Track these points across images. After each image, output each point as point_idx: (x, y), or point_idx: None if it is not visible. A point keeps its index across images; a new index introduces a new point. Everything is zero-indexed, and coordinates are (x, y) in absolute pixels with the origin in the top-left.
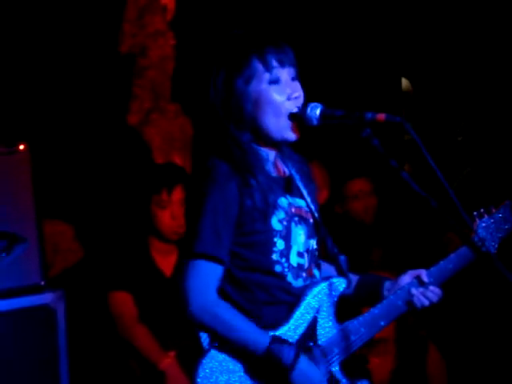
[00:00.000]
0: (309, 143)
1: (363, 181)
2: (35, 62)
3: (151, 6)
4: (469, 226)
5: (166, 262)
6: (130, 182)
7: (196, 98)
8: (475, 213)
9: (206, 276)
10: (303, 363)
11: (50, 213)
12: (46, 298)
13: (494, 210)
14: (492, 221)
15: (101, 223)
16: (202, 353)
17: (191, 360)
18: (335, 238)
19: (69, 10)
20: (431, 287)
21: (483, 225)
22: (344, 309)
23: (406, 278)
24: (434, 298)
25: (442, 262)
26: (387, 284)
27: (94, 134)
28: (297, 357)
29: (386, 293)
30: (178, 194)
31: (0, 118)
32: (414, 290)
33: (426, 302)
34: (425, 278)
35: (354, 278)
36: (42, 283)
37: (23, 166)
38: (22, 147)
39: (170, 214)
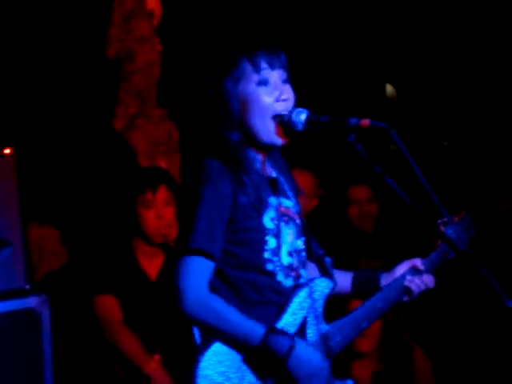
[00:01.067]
0: (301, 149)
1: (365, 188)
2: (21, 66)
3: (137, 11)
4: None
5: (152, 265)
6: (115, 185)
7: (182, 103)
8: (440, 221)
9: (199, 271)
10: (300, 350)
11: (35, 216)
12: (31, 301)
13: (456, 219)
14: (455, 229)
15: (86, 227)
16: (196, 350)
17: (176, 363)
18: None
19: (55, 15)
20: (426, 275)
21: (449, 232)
22: (331, 309)
23: (402, 268)
24: (430, 284)
25: (433, 253)
26: (383, 276)
27: (80, 138)
28: (293, 343)
29: (383, 285)
30: (162, 194)
31: None
32: (410, 277)
33: (423, 287)
34: (420, 266)
35: (348, 274)
36: (27, 287)
37: (9, 170)
38: (7, 151)
39: (155, 213)
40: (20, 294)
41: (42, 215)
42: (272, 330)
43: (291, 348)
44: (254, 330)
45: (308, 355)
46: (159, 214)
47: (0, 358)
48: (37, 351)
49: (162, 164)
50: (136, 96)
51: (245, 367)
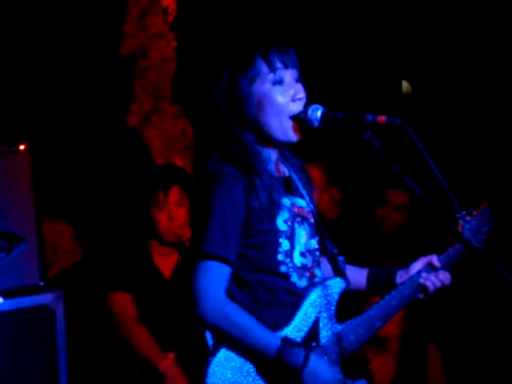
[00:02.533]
0: (312, 145)
1: (403, 194)
2: (36, 62)
3: (152, 7)
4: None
5: (166, 263)
6: (130, 183)
7: (196, 99)
8: (458, 215)
9: (216, 277)
10: (314, 362)
11: (50, 213)
12: (46, 298)
13: (475, 213)
14: (474, 222)
15: (101, 224)
16: (207, 352)
17: (190, 361)
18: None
19: (70, 11)
20: (442, 271)
21: (467, 226)
22: (344, 309)
23: (418, 265)
24: (446, 281)
25: (450, 249)
26: (399, 273)
27: (94, 134)
28: (307, 357)
29: (398, 281)
30: (174, 195)
31: (1, 117)
32: (425, 274)
33: (438, 284)
34: (436, 263)
35: (363, 271)
36: (42, 284)
37: (23, 166)
38: (22, 147)
39: (167, 214)
40: (34, 290)
41: (57, 212)
42: (287, 341)
43: (305, 361)
44: (270, 340)
45: (322, 368)
46: (171, 215)
47: (14, 354)
48: (51, 348)
49: (177, 161)
50: (151, 92)
51: (253, 373)
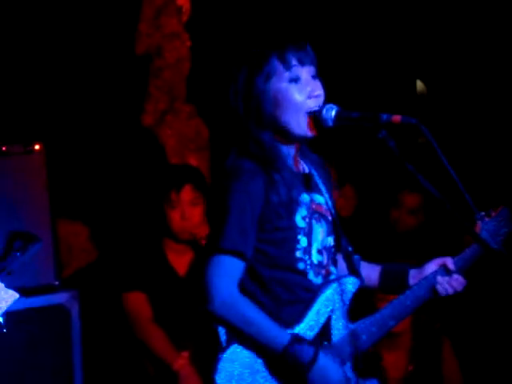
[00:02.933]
0: (326, 145)
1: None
2: (51, 63)
3: (167, 7)
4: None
5: (180, 261)
6: (144, 182)
7: (211, 99)
8: (476, 216)
9: (229, 272)
10: (323, 361)
11: (65, 213)
12: (61, 297)
13: (493, 214)
14: (492, 224)
15: (115, 223)
16: (219, 349)
17: (205, 360)
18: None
19: (84, 10)
20: (456, 276)
21: (485, 227)
22: (357, 307)
23: (432, 266)
24: (459, 287)
25: (467, 250)
26: (412, 272)
27: (109, 134)
28: (316, 355)
29: (411, 281)
30: (187, 194)
31: (16, 117)
32: (439, 278)
33: (451, 290)
34: (451, 266)
35: (376, 268)
36: (56, 283)
37: (39, 166)
38: (37, 147)
39: (180, 213)
40: (49, 290)
41: (72, 212)
42: (296, 338)
43: (313, 359)
44: (279, 336)
45: (330, 367)
46: (184, 214)
47: (29, 353)
48: (66, 347)
49: (192, 161)
50: (166, 92)
51: (261, 371)
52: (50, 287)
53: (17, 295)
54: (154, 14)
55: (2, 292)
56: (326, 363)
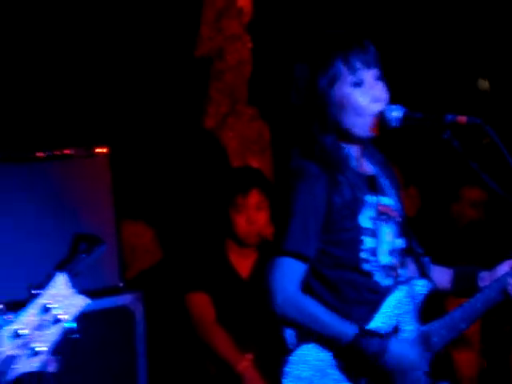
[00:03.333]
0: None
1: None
2: (115, 66)
3: (228, 9)
4: None
5: (243, 264)
6: (208, 184)
7: (273, 101)
8: None
9: (291, 273)
10: (394, 343)
11: (129, 215)
12: (125, 299)
13: None
14: None
15: (179, 225)
16: (286, 351)
17: (268, 363)
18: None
19: (147, 14)
20: None
21: None
22: (427, 309)
23: (504, 268)
24: None
25: None
26: (482, 274)
27: (172, 136)
28: (384, 343)
29: (481, 283)
30: (253, 198)
31: (80, 121)
32: (510, 280)
33: None
34: None
35: (448, 271)
36: (121, 285)
37: (103, 169)
38: (102, 150)
39: (246, 218)
40: (114, 291)
41: (136, 213)
42: (363, 331)
43: (383, 347)
44: (345, 329)
45: (402, 350)
46: (250, 218)
47: (94, 354)
48: (130, 348)
49: (254, 163)
50: (227, 94)
51: (331, 374)
52: (114, 289)
53: (88, 300)
54: (215, 16)
55: (74, 297)
56: (397, 344)
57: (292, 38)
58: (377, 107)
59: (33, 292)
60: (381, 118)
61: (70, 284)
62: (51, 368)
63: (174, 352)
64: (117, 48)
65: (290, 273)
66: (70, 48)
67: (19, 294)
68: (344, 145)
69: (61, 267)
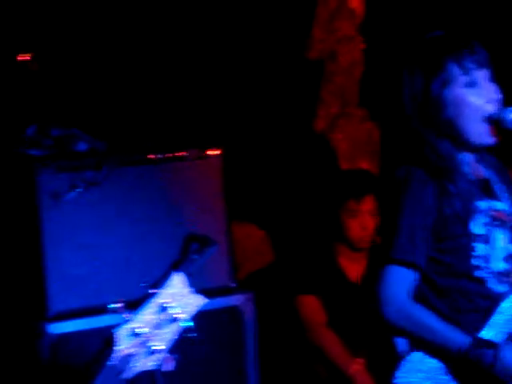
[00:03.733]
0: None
1: None
2: (227, 69)
3: (340, 10)
4: None
5: (353, 268)
6: (320, 187)
7: (384, 103)
8: None
9: (401, 281)
10: (509, 353)
11: (240, 216)
12: (236, 299)
13: None
14: None
15: (290, 227)
16: (397, 357)
17: (378, 367)
18: None
19: (261, 15)
20: None
21: None
22: None
23: None
24: None
25: None
26: None
27: (283, 139)
28: (500, 351)
29: None
30: (368, 204)
31: (194, 122)
32: None
33: None
34: None
35: None
36: (232, 285)
37: (215, 170)
38: (215, 152)
39: (359, 223)
40: (225, 292)
41: (247, 215)
42: (477, 341)
43: (497, 357)
44: (458, 340)
45: None
46: (363, 224)
47: (204, 354)
48: (240, 349)
49: (364, 165)
50: (338, 96)
51: (443, 379)
52: (225, 289)
53: (205, 300)
54: (328, 18)
55: (191, 296)
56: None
57: (404, 38)
58: (491, 108)
59: (150, 291)
60: (497, 121)
61: (186, 283)
62: (168, 367)
63: (284, 354)
64: (230, 50)
65: (399, 281)
66: (186, 51)
67: (134, 293)
68: (458, 151)
69: (175, 267)
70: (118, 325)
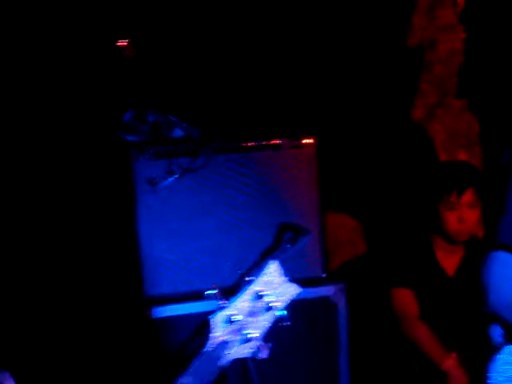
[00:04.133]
0: None
1: None
2: (323, 57)
3: None
4: None
5: (450, 261)
6: (417, 178)
7: (483, 94)
8: None
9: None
10: None
11: (333, 205)
12: (327, 290)
13: None
14: None
15: (384, 218)
16: (492, 351)
17: (472, 361)
18: None
19: (356, 2)
20: None
21: None
22: None
23: None
24: None
25: None
26: None
27: (379, 127)
28: None
29: None
30: (468, 197)
31: (288, 111)
32: None
33: None
34: None
35: None
36: (324, 276)
37: (310, 160)
38: (308, 141)
39: (458, 216)
40: (316, 282)
41: (340, 205)
42: None
43: None
44: None
45: None
46: (462, 217)
47: (295, 345)
48: (332, 341)
49: (462, 157)
50: (436, 86)
51: None
52: (317, 280)
53: (300, 289)
54: (429, 6)
55: (286, 285)
56: None
57: (506, 28)
58: None
59: (247, 279)
60: None
61: (281, 272)
62: (262, 355)
63: (376, 346)
64: (330, 38)
65: (508, 266)
66: (284, 40)
67: (227, 280)
68: None
69: (271, 255)
70: (211, 311)
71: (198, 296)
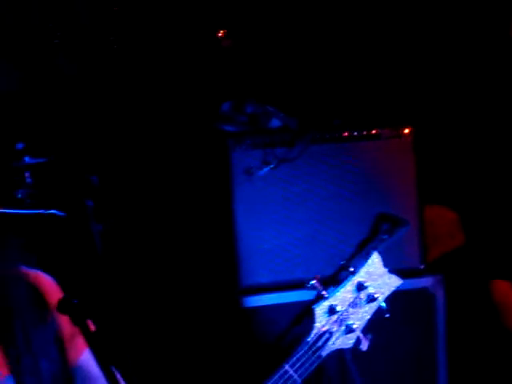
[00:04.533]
0: None
1: None
2: (419, 47)
3: None
4: None
5: None
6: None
7: None
8: None
9: None
10: None
11: (432, 197)
12: (425, 281)
13: None
14: None
15: (485, 210)
16: None
17: None
18: None
19: None
20: None
21: None
22: None
23: None
24: None
25: None
26: None
27: (478, 118)
28: None
29: None
30: None
31: (386, 101)
32: None
33: None
34: None
35: None
36: (421, 267)
37: (407, 150)
38: (406, 131)
39: None
40: (414, 273)
41: (439, 196)
42: None
43: None
44: None
45: None
46: None
47: (394, 336)
48: (430, 332)
49: None
50: None
51: None
52: (414, 271)
53: (400, 281)
54: None
55: (387, 277)
56: None
57: None
58: None
59: (350, 269)
60: None
61: (382, 263)
62: (362, 347)
63: (475, 339)
64: (431, 26)
65: None
66: (380, 32)
67: (324, 270)
68: None
69: (368, 246)
70: (306, 301)
71: (293, 285)
